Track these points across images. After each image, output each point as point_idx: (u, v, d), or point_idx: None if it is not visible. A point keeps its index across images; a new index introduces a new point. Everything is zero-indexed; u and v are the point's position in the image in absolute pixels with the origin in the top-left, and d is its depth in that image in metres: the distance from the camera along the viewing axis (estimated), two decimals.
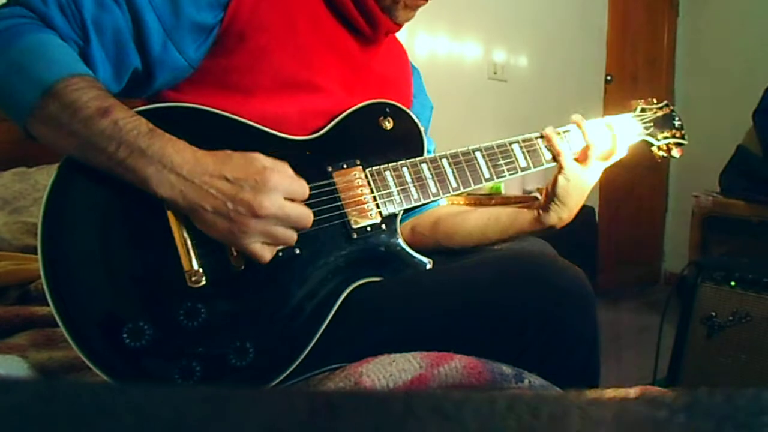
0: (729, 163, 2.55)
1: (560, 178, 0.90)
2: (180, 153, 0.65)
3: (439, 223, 0.99)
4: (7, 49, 0.65)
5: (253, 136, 0.76)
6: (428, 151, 1.03)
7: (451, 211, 1.02)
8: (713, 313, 1.68)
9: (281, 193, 0.66)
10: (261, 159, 0.67)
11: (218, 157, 0.66)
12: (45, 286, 0.62)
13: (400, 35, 1.07)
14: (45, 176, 1.56)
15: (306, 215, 0.69)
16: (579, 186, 0.90)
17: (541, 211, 0.93)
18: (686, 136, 1.02)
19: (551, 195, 0.91)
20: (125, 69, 0.75)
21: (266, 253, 0.67)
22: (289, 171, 0.68)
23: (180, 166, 0.64)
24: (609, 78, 3.54)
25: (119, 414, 0.19)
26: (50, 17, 0.68)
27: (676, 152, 1.01)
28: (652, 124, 1.01)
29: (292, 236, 0.69)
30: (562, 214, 0.91)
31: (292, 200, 0.67)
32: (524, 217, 0.94)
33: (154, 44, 0.74)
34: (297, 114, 0.81)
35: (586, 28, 3.42)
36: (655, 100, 1.03)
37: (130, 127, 0.64)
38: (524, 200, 2.41)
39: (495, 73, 3.03)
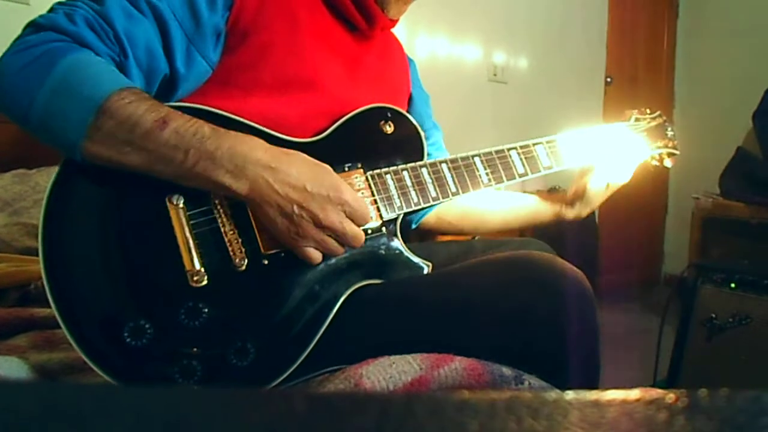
0: (729, 164, 2.56)
1: (593, 180, 0.94)
2: (253, 150, 0.66)
3: (465, 215, 1.07)
4: (48, 74, 0.63)
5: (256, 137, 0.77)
6: (435, 142, 1.09)
7: (473, 202, 1.08)
8: (713, 315, 1.68)
9: (346, 211, 0.69)
10: (334, 174, 0.71)
11: (292, 160, 0.68)
12: (46, 286, 0.62)
13: (401, 37, 1.07)
14: (45, 178, 1.56)
15: (360, 237, 0.72)
16: (609, 188, 0.95)
17: (564, 207, 1.00)
18: (678, 146, 1.04)
19: (580, 195, 0.97)
20: (155, 78, 0.75)
21: (317, 257, 0.71)
22: (356, 192, 0.72)
23: (254, 162, 0.65)
24: (609, 79, 3.55)
25: (120, 415, 0.19)
26: (82, 36, 0.67)
27: (668, 162, 1.03)
28: (645, 133, 1.02)
29: (341, 251, 0.72)
30: (583, 211, 0.99)
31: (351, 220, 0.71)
32: (545, 212, 1.02)
33: (179, 52, 0.74)
34: (297, 115, 0.81)
35: (586, 29, 3.43)
36: (648, 110, 1.05)
37: (193, 132, 0.64)
38: None
39: (495, 74, 3.04)
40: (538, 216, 1.02)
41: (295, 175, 0.66)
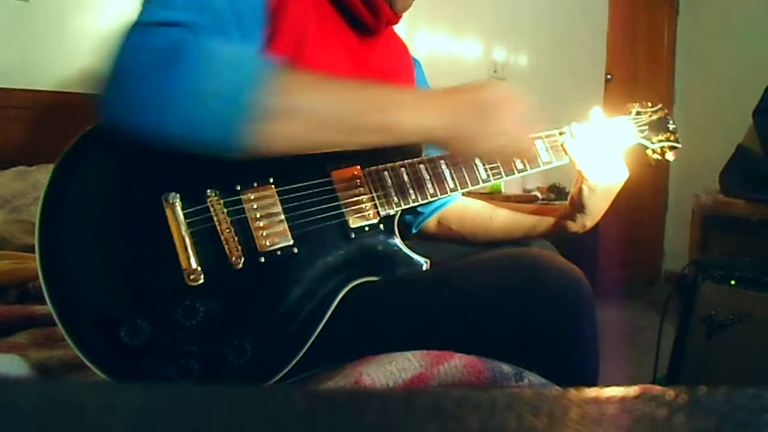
0: (729, 162, 2.55)
1: (584, 187, 0.89)
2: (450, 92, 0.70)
3: (465, 220, 1.04)
4: (196, 66, 0.58)
5: None
6: None
7: (476, 209, 1.05)
8: (713, 312, 1.68)
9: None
10: None
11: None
12: (43, 285, 0.62)
13: (401, 34, 1.07)
14: (45, 175, 1.55)
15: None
16: (603, 193, 0.90)
17: (565, 220, 0.95)
18: (680, 140, 1.03)
19: (576, 205, 0.92)
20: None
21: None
22: None
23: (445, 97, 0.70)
24: (609, 77, 3.54)
25: (120, 412, 0.19)
26: (199, 25, 0.63)
27: (670, 155, 1.02)
28: (647, 127, 1.01)
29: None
30: (586, 222, 0.93)
31: None
32: (547, 224, 0.97)
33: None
34: None
35: (587, 26, 3.42)
36: (650, 104, 1.03)
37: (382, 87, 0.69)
38: (524, 199, 2.41)
39: (495, 71, 3.03)
40: (538, 229, 0.98)
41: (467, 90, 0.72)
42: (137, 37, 0.60)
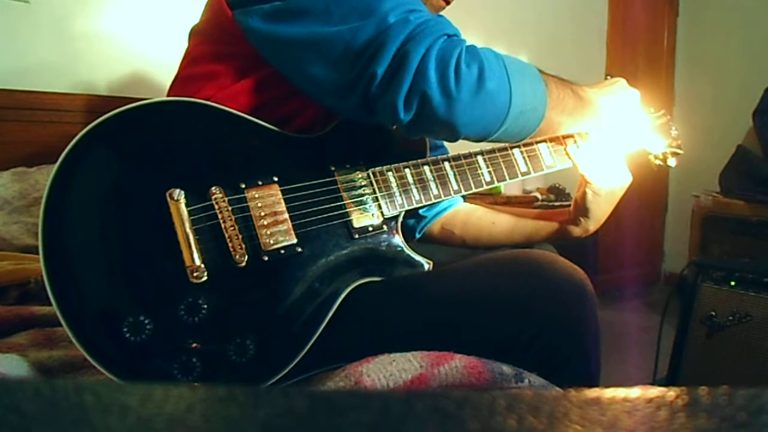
0: (729, 162, 2.55)
1: (588, 191, 0.90)
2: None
3: (467, 225, 1.04)
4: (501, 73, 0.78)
5: (258, 133, 0.77)
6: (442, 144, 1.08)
7: (479, 214, 1.05)
8: (713, 313, 1.68)
9: None
10: None
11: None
12: (46, 282, 0.62)
13: None
14: (45, 176, 1.56)
15: None
16: (607, 197, 0.90)
17: (568, 225, 0.95)
18: (682, 146, 1.02)
19: (580, 209, 0.92)
20: None
21: None
22: None
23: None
24: (609, 77, 3.53)
25: (120, 412, 0.19)
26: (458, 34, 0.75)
27: (672, 161, 1.01)
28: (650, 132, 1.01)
29: None
30: (590, 226, 0.94)
31: None
32: (550, 228, 0.98)
33: None
34: (314, 112, 0.81)
35: (586, 28, 3.42)
36: (653, 109, 1.03)
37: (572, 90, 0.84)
38: (524, 200, 2.41)
39: None
40: (540, 233, 0.99)
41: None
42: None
